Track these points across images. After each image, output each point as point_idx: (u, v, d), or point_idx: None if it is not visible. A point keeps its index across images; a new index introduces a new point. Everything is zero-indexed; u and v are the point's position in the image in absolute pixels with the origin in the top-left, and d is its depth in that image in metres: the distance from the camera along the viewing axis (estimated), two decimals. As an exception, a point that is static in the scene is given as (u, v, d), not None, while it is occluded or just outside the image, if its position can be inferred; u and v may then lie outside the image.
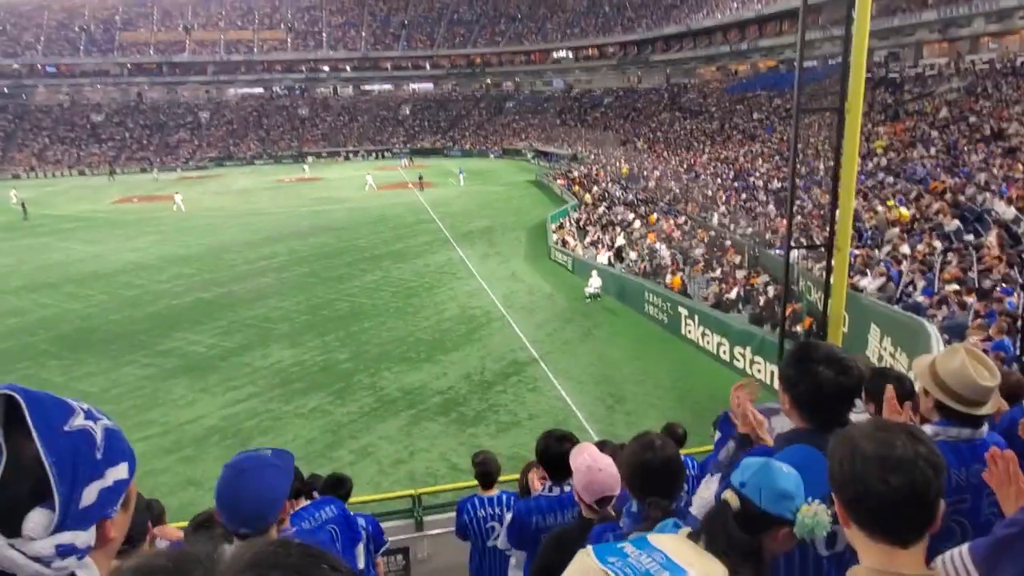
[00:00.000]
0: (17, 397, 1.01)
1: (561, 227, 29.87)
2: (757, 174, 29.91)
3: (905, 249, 15.22)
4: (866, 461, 1.44)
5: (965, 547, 1.90)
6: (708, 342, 15.84)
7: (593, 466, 2.85)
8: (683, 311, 16.97)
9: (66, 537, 1.02)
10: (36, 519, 0.99)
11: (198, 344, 17.66)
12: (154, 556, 0.68)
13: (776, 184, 26.59)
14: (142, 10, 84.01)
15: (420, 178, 48.44)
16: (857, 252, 15.51)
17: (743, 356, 14.50)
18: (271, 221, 36.38)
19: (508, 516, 3.96)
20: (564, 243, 26.63)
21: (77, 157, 71.12)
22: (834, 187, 5.83)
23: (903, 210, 18.09)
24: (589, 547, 1.57)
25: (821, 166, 25.12)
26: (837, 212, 5.85)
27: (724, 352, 15.17)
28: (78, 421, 1.06)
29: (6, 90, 76.35)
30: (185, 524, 3.96)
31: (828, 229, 5.99)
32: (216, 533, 2.64)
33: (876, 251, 16.04)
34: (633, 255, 23.98)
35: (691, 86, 66.45)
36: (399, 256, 27.10)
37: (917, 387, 2.66)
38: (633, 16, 75.31)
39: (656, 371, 15.16)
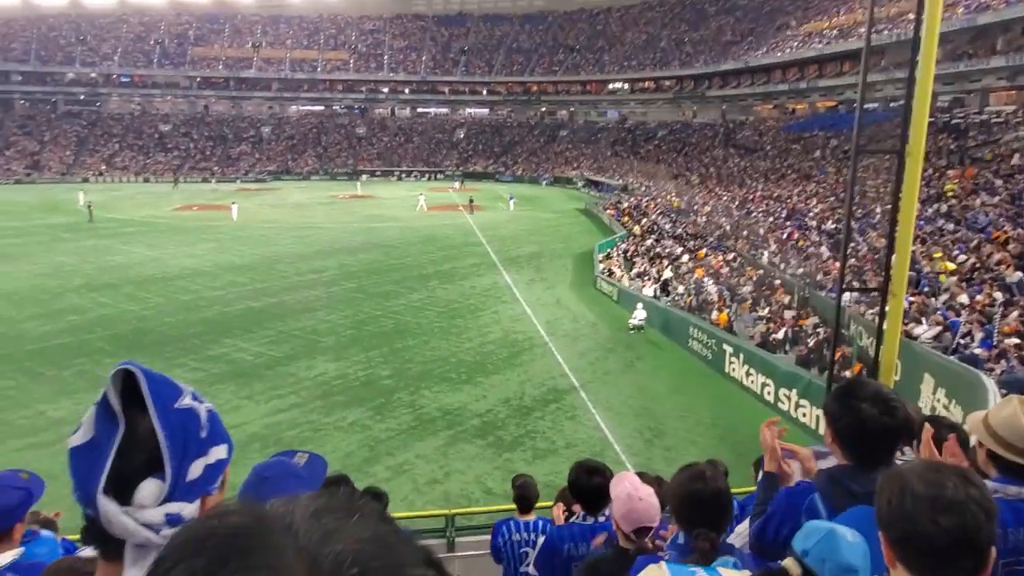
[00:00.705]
0: (137, 373, 1.09)
1: (608, 257, 29.80)
2: (811, 214, 29.43)
3: (963, 299, 14.77)
4: (916, 500, 1.43)
5: None
6: (752, 381, 15.55)
7: (634, 495, 2.84)
8: (728, 348, 16.72)
9: (174, 507, 1.09)
10: (149, 488, 1.07)
11: (246, 352, 18.06)
12: (224, 512, 0.61)
13: (830, 225, 26.12)
14: (214, 27, 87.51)
15: (471, 201, 48.97)
16: (913, 299, 15.12)
17: (788, 398, 14.19)
18: (324, 235, 37.15)
19: (539, 542, 3.96)
20: (610, 273, 26.55)
21: (143, 164, 73.92)
22: (891, 231, 5.73)
23: (949, 264, 17.55)
24: (663, 563, 1.58)
25: (878, 209, 24.61)
26: (893, 257, 5.74)
27: (769, 393, 14.87)
28: (186, 401, 1.14)
29: (82, 97, 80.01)
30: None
31: (884, 273, 5.88)
32: None
33: (933, 299, 15.60)
34: (680, 289, 23.77)
35: (747, 123, 65.94)
36: (446, 277, 27.36)
37: (972, 441, 2.60)
38: (691, 51, 75.33)
39: (698, 407, 14.93)
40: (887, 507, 1.48)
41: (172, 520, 1.09)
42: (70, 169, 70.74)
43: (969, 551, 1.41)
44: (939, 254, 18.57)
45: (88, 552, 3.50)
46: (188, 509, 1.11)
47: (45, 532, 2.87)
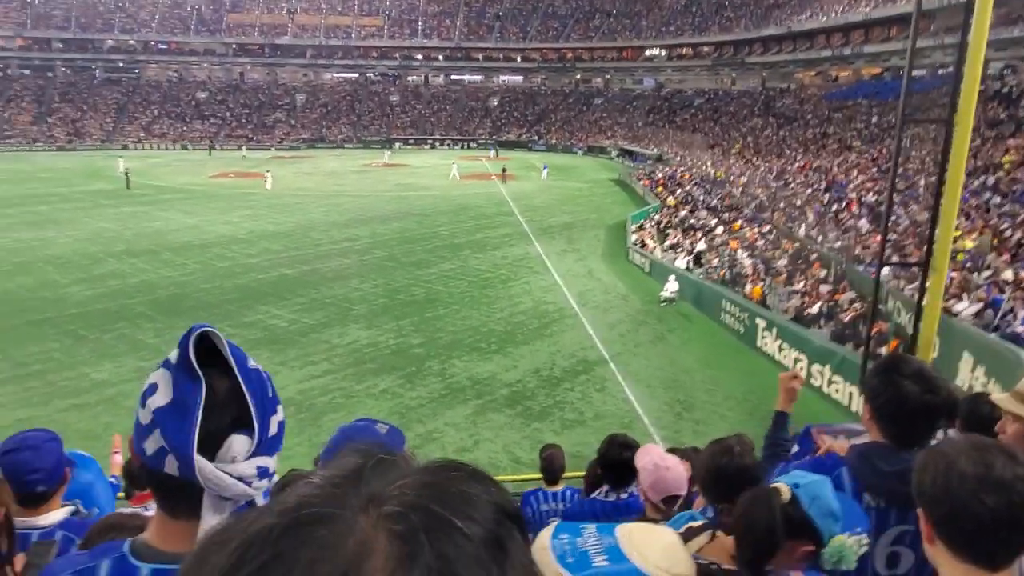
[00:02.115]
0: (216, 334, 1.15)
1: (641, 228, 29.50)
2: (851, 186, 28.72)
3: (1008, 275, 14.33)
4: (963, 479, 1.40)
5: None
6: (785, 356, 15.34)
7: (660, 464, 2.84)
8: (760, 322, 16.50)
9: (262, 461, 1.16)
10: (240, 443, 1.13)
11: (279, 318, 18.34)
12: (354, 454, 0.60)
13: (871, 198, 25.47)
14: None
15: (504, 170, 48.74)
16: (954, 274, 14.72)
17: (821, 374, 13.98)
18: (357, 204, 37.36)
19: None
20: (643, 244, 26.29)
21: (181, 132, 74.88)
22: (935, 203, 5.53)
23: (967, 241, 16.98)
24: (556, 520, 1.61)
25: (922, 181, 23.91)
26: (937, 230, 5.56)
27: (801, 368, 14.64)
28: (252, 362, 1.21)
29: (121, 64, 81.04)
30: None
31: (926, 247, 5.70)
32: None
33: (975, 275, 15.17)
34: (714, 261, 23.46)
35: (787, 91, 64.28)
36: (478, 246, 27.37)
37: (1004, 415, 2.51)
38: (732, 16, 73.42)
39: (728, 381, 14.81)
40: (931, 485, 1.45)
41: (262, 473, 1.16)
42: (110, 136, 71.99)
43: (1015, 530, 1.40)
44: (958, 232, 17.92)
45: (129, 509, 3.62)
46: (272, 463, 1.19)
47: (76, 453, 2.95)
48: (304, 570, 0.48)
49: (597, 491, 3.85)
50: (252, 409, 1.14)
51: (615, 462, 3.61)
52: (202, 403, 1.10)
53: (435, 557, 0.49)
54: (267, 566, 0.49)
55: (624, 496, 3.60)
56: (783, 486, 1.79)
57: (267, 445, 1.17)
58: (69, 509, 2.61)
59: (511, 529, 0.56)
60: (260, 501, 1.20)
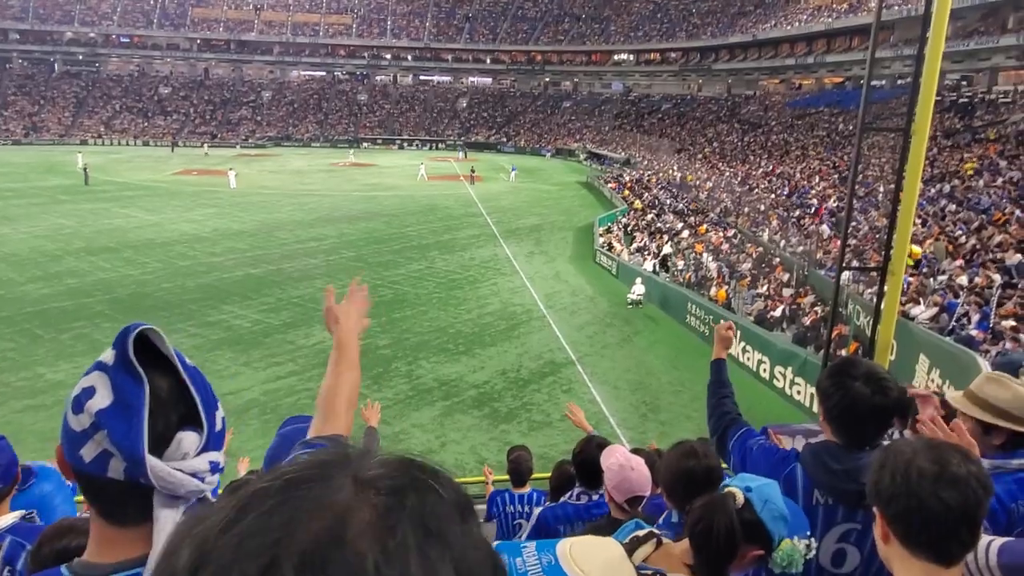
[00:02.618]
0: (158, 332, 1.13)
1: (608, 231, 29.72)
2: (813, 192, 29.31)
3: (963, 280, 14.76)
4: (921, 475, 1.45)
5: (994, 544, 1.89)
6: (748, 359, 15.60)
7: (625, 465, 2.87)
8: (726, 325, 16.72)
9: (212, 456, 1.16)
10: (190, 439, 1.12)
11: (244, 318, 18.08)
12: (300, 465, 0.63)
13: (832, 203, 26.02)
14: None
15: (472, 171, 48.70)
16: (911, 279, 15.10)
17: (783, 376, 14.25)
18: (323, 203, 37.00)
19: (534, 517, 3.97)
20: (610, 247, 26.49)
21: (143, 127, 73.35)
22: (893, 209, 5.69)
23: (915, 248, 17.43)
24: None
25: (881, 188, 24.50)
26: (894, 235, 5.71)
27: (764, 370, 14.93)
28: (188, 360, 1.19)
29: (81, 57, 79.18)
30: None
31: (884, 252, 5.86)
32: None
33: (931, 280, 15.59)
34: (680, 264, 23.74)
35: (752, 98, 65.39)
36: (446, 247, 27.31)
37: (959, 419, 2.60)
38: (698, 23, 74.37)
39: (694, 383, 14.98)
40: (890, 482, 1.50)
41: (214, 467, 1.16)
42: (68, 131, 70.23)
43: (969, 526, 1.45)
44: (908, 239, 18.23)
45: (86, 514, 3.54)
46: (221, 457, 1.18)
47: (36, 463, 2.86)
48: (303, 515, 0.53)
49: (568, 494, 3.86)
50: (199, 405, 1.14)
51: (593, 461, 3.62)
52: (147, 402, 1.08)
53: (417, 506, 0.56)
54: (272, 511, 0.54)
55: (596, 497, 3.63)
56: (736, 490, 1.80)
57: (215, 440, 1.17)
58: (19, 513, 2.52)
59: (472, 504, 0.63)
60: (212, 497, 1.19)
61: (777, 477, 2.33)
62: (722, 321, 3.11)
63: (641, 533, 1.88)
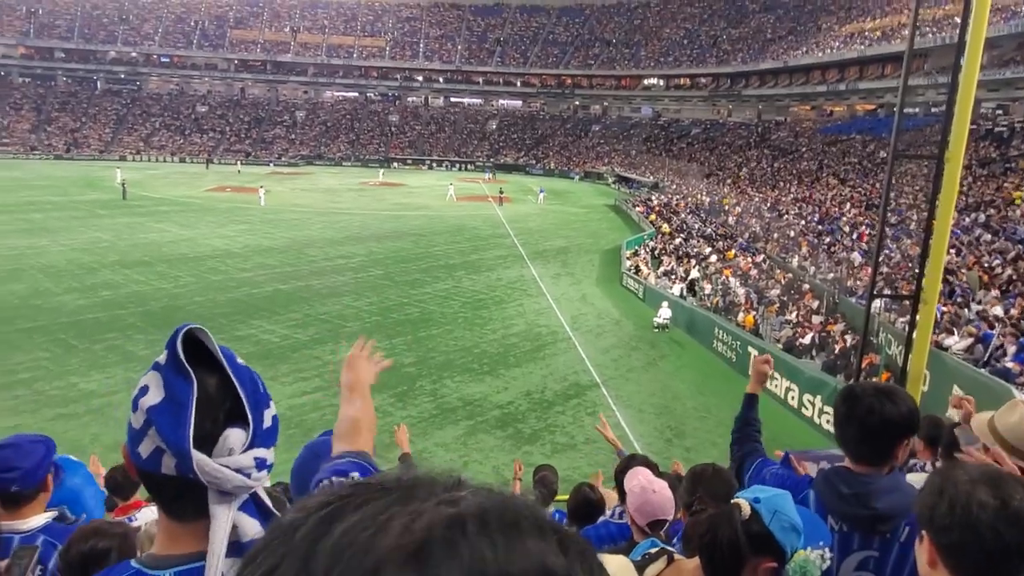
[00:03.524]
0: (204, 331, 1.17)
1: (636, 254, 29.65)
2: (844, 219, 29.00)
3: (998, 311, 14.46)
4: (982, 509, 1.40)
5: None
6: (776, 386, 15.38)
7: (648, 487, 2.86)
8: (753, 351, 16.55)
9: (259, 452, 1.18)
10: (236, 436, 1.15)
11: (272, 333, 18.30)
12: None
13: (864, 231, 25.71)
14: (253, 10, 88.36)
15: (500, 192, 48.96)
16: (945, 309, 14.84)
17: (812, 404, 14.03)
18: (353, 222, 37.44)
19: None
20: (637, 270, 26.41)
21: (180, 144, 75.02)
22: (926, 237, 5.62)
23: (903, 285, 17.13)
24: None
25: (914, 216, 24.16)
26: (927, 264, 5.64)
27: (792, 398, 14.71)
28: (241, 360, 1.22)
29: (123, 76, 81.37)
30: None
31: (916, 281, 5.78)
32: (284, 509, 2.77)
33: (965, 310, 15.30)
34: (707, 289, 23.58)
35: (783, 124, 65.05)
36: (472, 267, 27.44)
37: (972, 438, 2.56)
38: (729, 49, 74.43)
39: (719, 409, 14.81)
40: (947, 511, 1.44)
41: (260, 463, 1.18)
42: (108, 147, 72.06)
43: (1021, 562, 1.41)
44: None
45: (111, 516, 3.60)
46: (269, 454, 1.20)
47: (60, 457, 2.89)
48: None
49: (610, 512, 3.87)
50: (245, 402, 1.16)
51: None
52: (194, 399, 1.11)
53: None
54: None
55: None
56: (743, 502, 1.78)
57: (263, 437, 1.18)
58: (52, 514, 2.56)
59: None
60: (264, 495, 1.22)
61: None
62: (758, 355, 3.09)
63: (654, 551, 1.89)
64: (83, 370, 15.30)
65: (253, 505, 1.22)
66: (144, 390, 1.15)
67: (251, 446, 1.16)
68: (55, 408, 13.36)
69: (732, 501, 1.82)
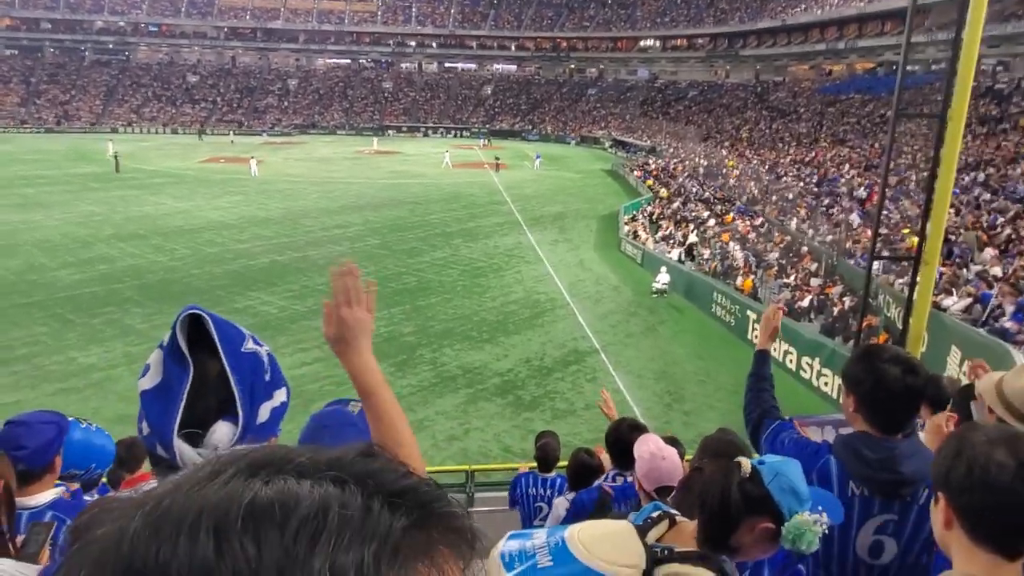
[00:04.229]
0: (205, 317, 1.11)
1: (633, 219, 29.52)
2: (843, 180, 28.83)
3: (997, 271, 14.44)
4: (1001, 469, 1.39)
5: None
6: (775, 348, 15.42)
7: (657, 454, 2.85)
8: (751, 315, 16.57)
9: None
10: (222, 430, 1.11)
11: (270, 305, 18.28)
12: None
13: (863, 192, 25.57)
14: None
15: (496, 159, 48.60)
16: (944, 269, 14.81)
17: (810, 367, 14.08)
18: (348, 191, 37.18)
19: (562, 500, 4.00)
20: (635, 236, 26.32)
21: (171, 115, 74.20)
22: (927, 197, 5.55)
23: (915, 239, 17.01)
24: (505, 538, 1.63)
25: (913, 177, 24.01)
26: (928, 224, 5.58)
27: (791, 361, 14.76)
28: (249, 345, 1.17)
29: (111, 46, 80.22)
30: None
31: (917, 241, 5.73)
32: None
33: (964, 270, 15.27)
34: (706, 253, 23.52)
35: (781, 84, 64.37)
36: (470, 235, 27.33)
37: (983, 405, 2.53)
38: (726, 8, 73.29)
39: (718, 373, 14.88)
40: (966, 472, 1.43)
41: None
42: (99, 119, 71.28)
43: None
44: (906, 229, 17.90)
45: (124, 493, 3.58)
46: None
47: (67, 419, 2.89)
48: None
49: (604, 476, 3.88)
50: (237, 395, 1.12)
51: (625, 442, 3.61)
52: (187, 388, 1.07)
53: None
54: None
55: (630, 479, 3.62)
56: (744, 460, 1.76)
57: (255, 432, 1.14)
58: (60, 490, 2.60)
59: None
60: None
61: (811, 471, 2.30)
62: (771, 305, 3.04)
63: (656, 514, 1.88)
64: (82, 344, 15.29)
65: None
66: (145, 369, 1.12)
67: (240, 441, 1.12)
68: (55, 383, 13.38)
69: (735, 460, 1.80)
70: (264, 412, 1.16)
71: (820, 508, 1.72)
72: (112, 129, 67.62)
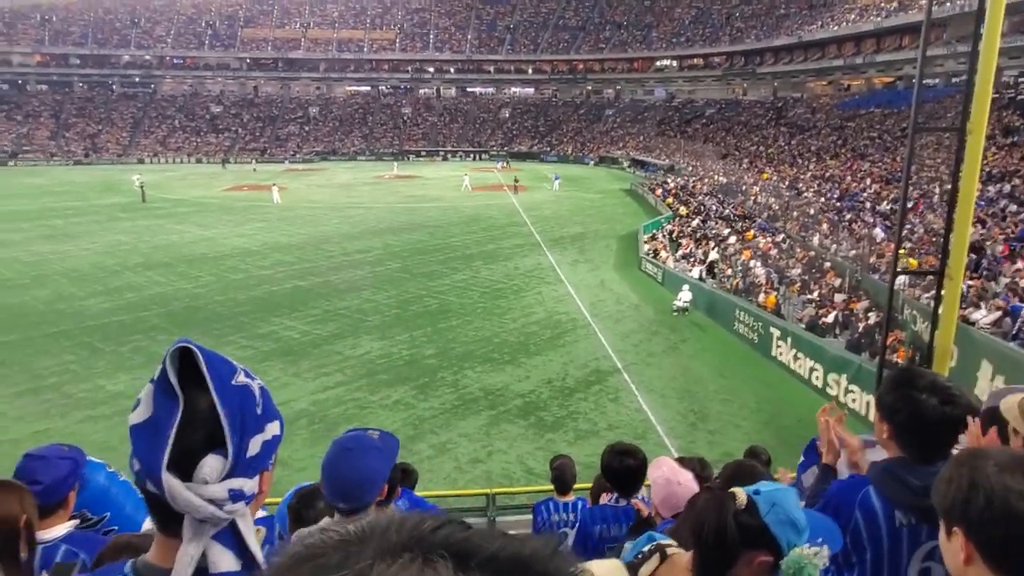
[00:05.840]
0: (195, 350, 1.10)
1: (653, 238, 29.45)
2: (864, 195, 28.57)
3: (1026, 283, 14.19)
4: (1022, 499, 1.32)
5: None
6: (800, 366, 15.24)
7: (672, 479, 2.81)
8: (775, 332, 16.41)
9: (236, 483, 1.12)
10: (211, 464, 1.09)
11: (293, 330, 18.42)
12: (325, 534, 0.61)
13: (885, 206, 25.33)
14: (263, 8, 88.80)
15: (515, 181, 48.83)
16: (971, 283, 14.59)
17: (837, 384, 13.87)
18: (369, 216, 37.53)
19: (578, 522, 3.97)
20: (655, 254, 26.23)
21: (196, 145, 75.64)
22: (949, 211, 5.50)
23: (912, 260, 16.81)
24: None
25: (936, 190, 23.75)
26: (951, 238, 5.52)
27: (817, 378, 14.56)
28: (241, 378, 1.16)
29: (137, 79, 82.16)
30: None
31: (940, 255, 5.67)
32: (318, 506, 2.79)
33: (992, 283, 15.02)
34: (727, 271, 23.37)
35: (799, 100, 64.15)
36: (490, 257, 27.41)
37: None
38: (742, 26, 73.44)
39: (742, 391, 14.72)
40: (985, 506, 1.37)
41: (235, 496, 1.11)
42: (126, 150, 72.84)
43: None
44: (902, 250, 17.64)
45: (147, 526, 3.62)
46: (249, 484, 1.14)
47: (87, 458, 2.91)
48: None
49: (609, 498, 3.82)
50: (226, 429, 1.10)
51: (617, 472, 3.58)
52: (176, 422, 1.07)
53: None
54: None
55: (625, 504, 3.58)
56: (740, 491, 1.71)
57: (244, 466, 1.12)
58: (74, 523, 2.59)
59: None
60: (244, 526, 1.17)
61: (851, 503, 2.22)
62: (818, 414, 2.69)
63: (647, 548, 1.84)
64: (110, 372, 15.50)
65: (231, 535, 1.17)
66: (136, 404, 1.12)
67: (230, 475, 1.11)
68: (84, 410, 13.56)
69: (730, 490, 1.75)
70: (255, 445, 1.14)
71: (820, 540, 1.68)
72: (139, 160, 69.06)
